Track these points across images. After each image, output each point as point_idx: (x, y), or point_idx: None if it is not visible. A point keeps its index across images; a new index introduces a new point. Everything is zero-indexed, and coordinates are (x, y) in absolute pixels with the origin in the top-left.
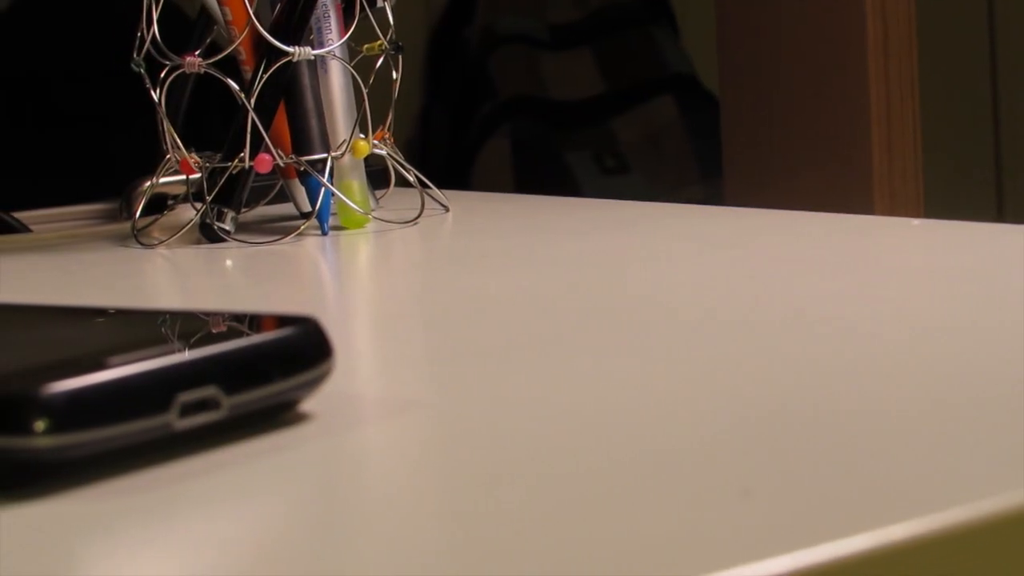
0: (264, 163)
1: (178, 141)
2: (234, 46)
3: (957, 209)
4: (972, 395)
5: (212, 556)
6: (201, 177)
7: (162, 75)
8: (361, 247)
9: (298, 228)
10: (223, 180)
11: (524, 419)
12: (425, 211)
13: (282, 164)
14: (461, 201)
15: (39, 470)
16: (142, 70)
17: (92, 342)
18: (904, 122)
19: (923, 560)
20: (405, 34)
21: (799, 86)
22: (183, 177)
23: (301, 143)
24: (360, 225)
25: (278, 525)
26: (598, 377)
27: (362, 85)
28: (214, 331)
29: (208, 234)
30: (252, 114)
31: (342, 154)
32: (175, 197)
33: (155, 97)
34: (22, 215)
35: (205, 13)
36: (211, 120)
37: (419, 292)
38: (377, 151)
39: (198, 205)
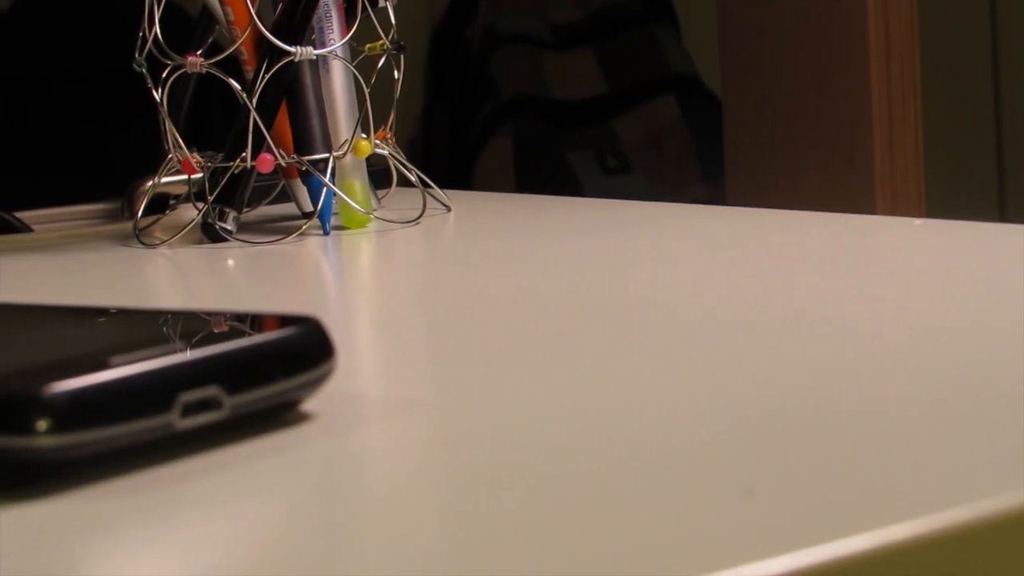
0: (266, 163)
1: (180, 141)
2: (236, 46)
3: (959, 209)
4: (973, 395)
5: (214, 556)
6: (203, 177)
7: (164, 75)
8: (363, 247)
9: (300, 228)
10: (225, 180)
11: (526, 419)
12: (427, 211)
13: (284, 164)
14: (463, 201)
15: (41, 470)
16: (144, 70)
17: (94, 342)
18: (906, 122)
19: (924, 560)
20: (407, 34)
21: (801, 86)
22: (185, 177)
23: (303, 143)
24: (362, 225)
25: (280, 525)
26: (599, 377)
27: (364, 85)
28: (216, 331)
29: (210, 234)
30: (254, 114)
31: (344, 154)
32: (177, 197)
33: (157, 97)
34: (24, 215)
35: (207, 13)
36: (213, 120)
37: (421, 292)
38: (379, 151)
39: (200, 205)
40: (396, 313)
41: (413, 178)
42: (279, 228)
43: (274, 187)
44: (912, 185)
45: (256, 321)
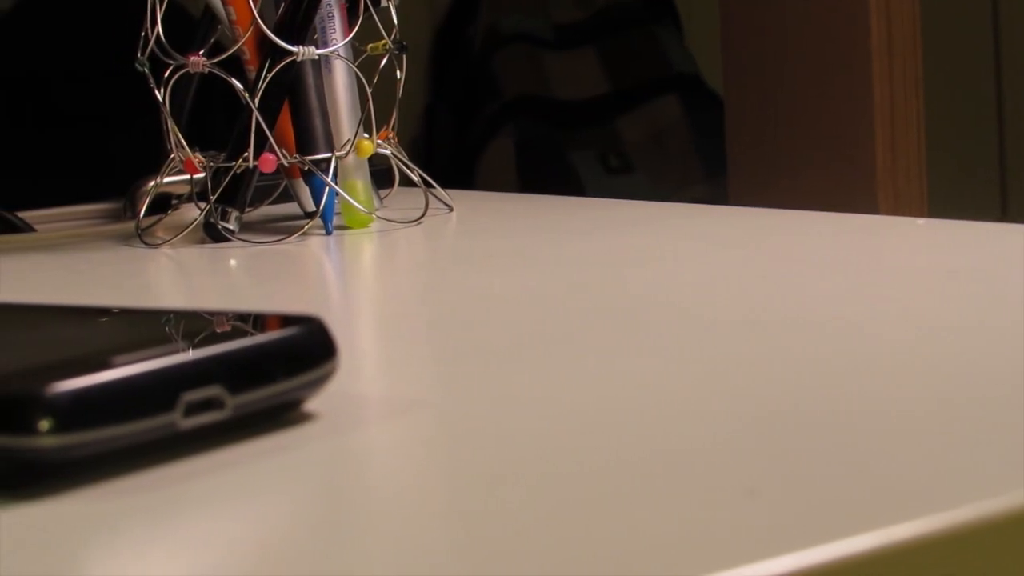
0: (268, 163)
1: (182, 141)
2: (238, 46)
3: (961, 208)
4: (977, 395)
5: (217, 556)
6: (205, 177)
7: (166, 75)
8: (365, 247)
9: (302, 228)
10: (227, 180)
11: (528, 419)
12: (429, 211)
13: (286, 164)
14: (465, 201)
15: (43, 470)
16: (146, 70)
17: (96, 341)
18: (908, 121)
19: (928, 560)
20: (409, 33)
21: (803, 85)
22: (187, 177)
23: (305, 143)
24: (364, 225)
25: (282, 524)
26: (601, 377)
27: (366, 84)
28: (218, 331)
29: (212, 233)
30: (256, 114)
31: (346, 154)
32: (179, 196)
33: (159, 96)
34: (26, 215)
35: (209, 13)
36: (215, 120)
37: (423, 292)
38: (381, 151)
39: (202, 204)
40: (398, 313)
41: (415, 178)
42: (281, 228)
43: (276, 187)
44: (914, 184)
45: (258, 321)
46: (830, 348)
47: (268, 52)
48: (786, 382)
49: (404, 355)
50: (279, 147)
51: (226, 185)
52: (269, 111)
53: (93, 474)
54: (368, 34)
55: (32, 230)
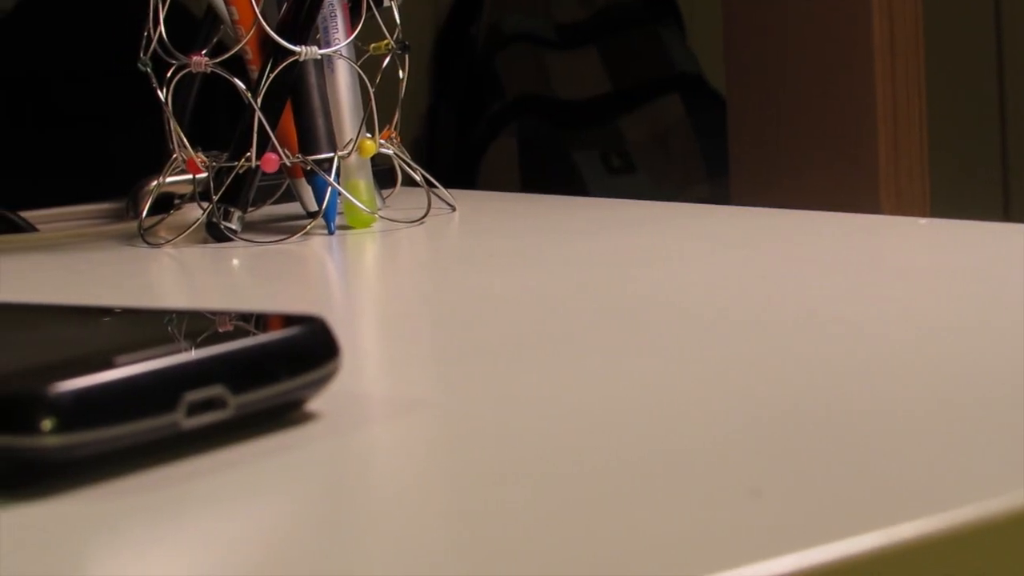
0: (271, 162)
1: (185, 140)
2: (241, 45)
3: (963, 208)
4: (981, 394)
5: (219, 555)
6: (208, 176)
7: (169, 74)
8: (368, 246)
9: (305, 227)
10: (230, 179)
11: (531, 418)
12: (432, 210)
13: (289, 163)
14: (468, 200)
15: (46, 469)
16: (149, 69)
17: (99, 341)
18: (910, 121)
19: (933, 559)
20: (412, 33)
21: (805, 85)
22: (190, 176)
23: (308, 142)
24: (367, 224)
25: (285, 524)
26: (605, 376)
27: (369, 84)
28: (221, 330)
29: (215, 233)
30: (259, 113)
31: (349, 153)
32: (182, 196)
33: (162, 96)
34: (29, 214)
35: (212, 12)
36: (217, 119)
37: (426, 291)
38: (384, 150)
39: (205, 204)
40: (401, 312)
41: (418, 177)
42: (284, 228)
43: (279, 187)
44: (917, 184)
45: (261, 320)
46: (832, 348)
47: (271, 52)
48: (789, 382)
49: (406, 355)
50: (281, 147)
51: (228, 185)
52: (271, 111)
53: (95, 474)
54: (371, 34)
55: (35, 230)
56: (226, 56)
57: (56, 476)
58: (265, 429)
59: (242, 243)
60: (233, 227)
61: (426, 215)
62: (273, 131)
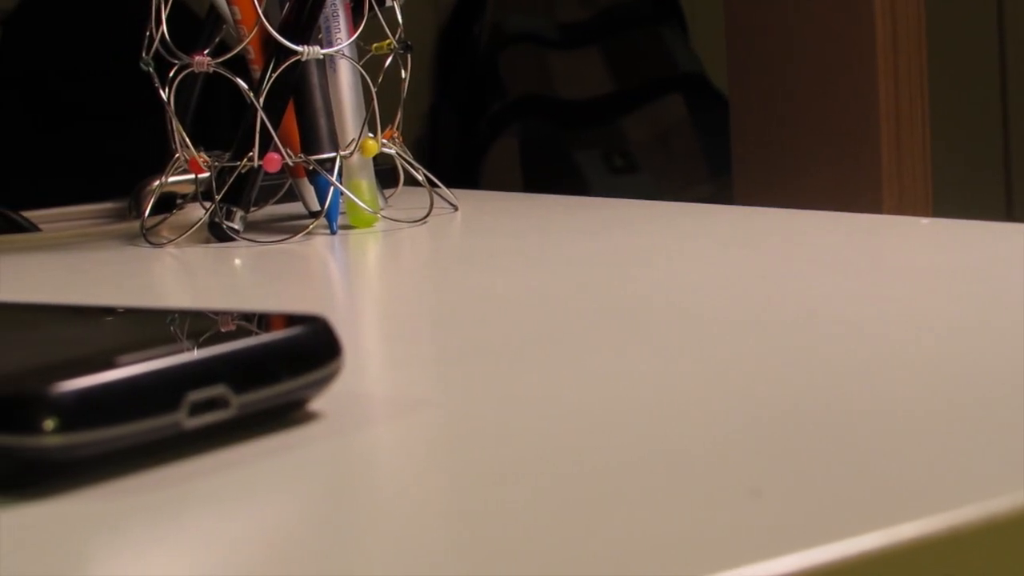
0: (273, 162)
1: (187, 140)
2: (243, 45)
3: (966, 208)
4: (982, 395)
5: (221, 555)
6: (210, 176)
7: (171, 74)
8: (370, 246)
9: (307, 227)
10: (232, 179)
11: (533, 418)
12: (434, 210)
13: (291, 163)
14: (470, 200)
15: (48, 469)
16: (151, 69)
17: (101, 341)
18: (913, 120)
19: (933, 559)
20: (414, 33)
21: (808, 85)
22: (192, 176)
23: (310, 142)
24: (369, 224)
25: (287, 524)
26: (607, 376)
27: (371, 84)
28: (223, 330)
29: (217, 233)
30: (261, 113)
31: (351, 153)
32: (184, 196)
33: (164, 96)
34: (31, 214)
35: (214, 12)
36: (220, 119)
37: (428, 291)
38: (386, 150)
39: (207, 204)
40: (403, 312)
41: (420, 177)
42: (286, 227)
43: (281, 186)
44: (919, 184)
45: (263, 320)
46: (834, 348)
47: (273, 51)
48: (790, 382)
49: (408, 355)
50: (284, 146)
51: (231, 184)
52: (274, 110)
53: (97, 473)
54: (373, 33)
55: (37, 230)
56: (228, 56)
57: (58, 476)
58: (267, 429)
59: (244, 243)
60: (235, 227)
61: (428, 215)
62: (275, 131)
